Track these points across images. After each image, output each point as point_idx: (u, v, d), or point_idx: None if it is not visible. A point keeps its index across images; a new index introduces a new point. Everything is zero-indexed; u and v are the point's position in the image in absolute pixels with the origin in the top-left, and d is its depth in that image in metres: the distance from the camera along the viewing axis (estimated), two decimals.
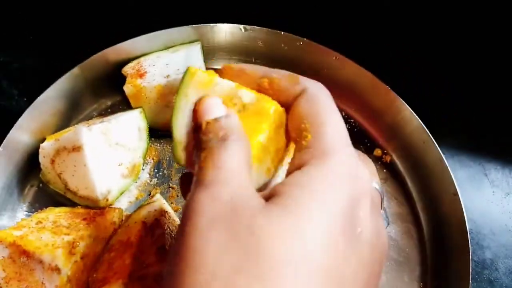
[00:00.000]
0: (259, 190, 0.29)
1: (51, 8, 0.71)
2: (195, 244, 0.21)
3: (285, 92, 0.28)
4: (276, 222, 0.21)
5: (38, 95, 0.51)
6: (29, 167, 0.52)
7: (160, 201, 0.50)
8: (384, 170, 0.58)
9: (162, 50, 0.59)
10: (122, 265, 0.43)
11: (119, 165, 0.51)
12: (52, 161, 0.50)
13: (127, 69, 0.56)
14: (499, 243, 0.55)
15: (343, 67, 0.59)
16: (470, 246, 0.48)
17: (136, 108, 0.55)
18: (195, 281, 0.20)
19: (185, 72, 0.31)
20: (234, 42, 0.62)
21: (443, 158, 0.52)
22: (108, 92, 0.59)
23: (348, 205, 0.23)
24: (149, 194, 0.54)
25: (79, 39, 0.68)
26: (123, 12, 0.73)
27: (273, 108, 0.28)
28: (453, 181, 0.51)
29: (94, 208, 0.50)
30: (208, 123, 0.27)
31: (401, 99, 0.56)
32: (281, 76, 0.29)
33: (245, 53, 0.63)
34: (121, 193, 0.52)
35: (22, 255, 0.42)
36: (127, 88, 0.55)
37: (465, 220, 0.49)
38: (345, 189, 0.23)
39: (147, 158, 0.56)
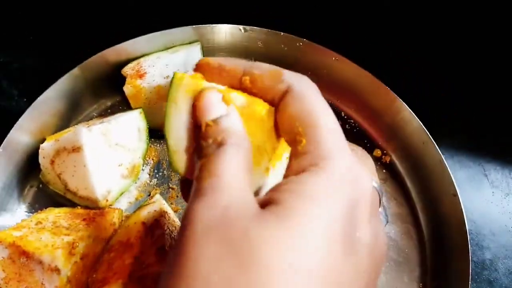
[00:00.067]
0: (259, 190, 0.29)
1: (51, 8, 0.71)
2: (190, 252, 0.21)
3: (269, 90, 0.27)
4: (272, 231, 0.21)
5: (38, 95, 0.51)
6: (29, 168, 0.52)
7: (159, 202, 0.50)
8: (384, 171, 0.58)
9: (162, 50, 0.59)
10: (121, 266, 0.43)
11: (119, 165, 0.51)
12: (52, 162, 0.50)
13: (127, 70, 0.57)
14: (498, 244, 0.55)
15: (343, 67, 0.59)
16: (469, 246, 0.48)
17: (136, 108, 0.55)
18: None
19: (172, 79, 0.30)
20: (234, 42, 0.62)
21: (442, 159, 0.52)
22: (108, 93, 0.60)
23: (347, 211, 0.23)
24: (149, 195, 0.54)
25: (79, 39, 0.68)
26: (123, 12, 0.73)
27: (264, 111, 0.27)
28: (452, 181, 0.51)
29: (94, 208, 0.50)
30: (207, 125, 0.26)
31: (401, 100, 0.56)
32: (262, 72, 0.28)
33: (245, 54, 0.63)
34: (121, 194, 0.52)
35: (21, 255, 0.42)
36: (127, 89, 0.55)
37: (464, 221, 0.49)
38: (343, 195, 0.23)
39: (147, 158, 0.56)
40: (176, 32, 0.58)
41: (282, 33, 0.60)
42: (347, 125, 0.61)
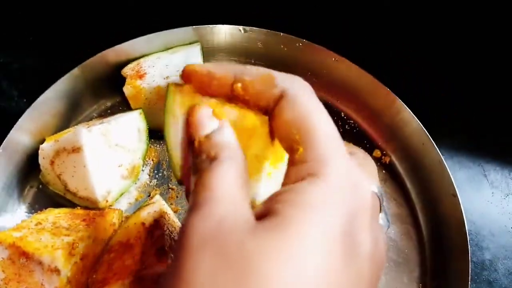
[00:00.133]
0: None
1: (51, 8, 0.71)
2: (186, 265, 0.21)
3: (263, 96, 0.27)
4: (269, 241, 0.20)
5: (38, 95, 0.51)
6: (29, 168, 0.52)
7: (159, 202, 0.50)
8: (383, 171, 0.58)
9: (162, 51, 0.59)
10: (121, 266, 0.43)
11: (119, 166, 0.51)
12: (52, 162, 0.50)
13: (127, 70, 0.56)
14: (498, 244, 0.55)
15: (343, 68, 0.59)
16: (469, 247, 0.48)
17: (136, 109, 0.55)
18: None
19: (167, 91, 0.30)
20: (234, 43, 0.62)
21: (442, 159, 0.52)
22: (108, 93, 0.60)
23: (346, 220, 0.22)
24: (149, 195, 0.54)
25: (79, 39, 0.68)
26: (123, 12, 0.73)
27: (257, 122, 0.27)
28: (452, 182, 0.51)
29: (94, 209, 0.50)
30: (200, 142, 0.26)
31: (400, 100, 0.56)
32: (253, 78, 0.27)
33: (245, 54, 0.63)
34: (121, 194, 0.52)
35: (21, 256, 0.42)
36: (127, 89, 0.55)
37: (464, 221, 0.49)
38: (342, 204, 0.23)
39: (147, 159, 0.56)
40: (176, 33, 0.58)
41: (281, 34, 0.60)
42: (346, 126, 0.61)
